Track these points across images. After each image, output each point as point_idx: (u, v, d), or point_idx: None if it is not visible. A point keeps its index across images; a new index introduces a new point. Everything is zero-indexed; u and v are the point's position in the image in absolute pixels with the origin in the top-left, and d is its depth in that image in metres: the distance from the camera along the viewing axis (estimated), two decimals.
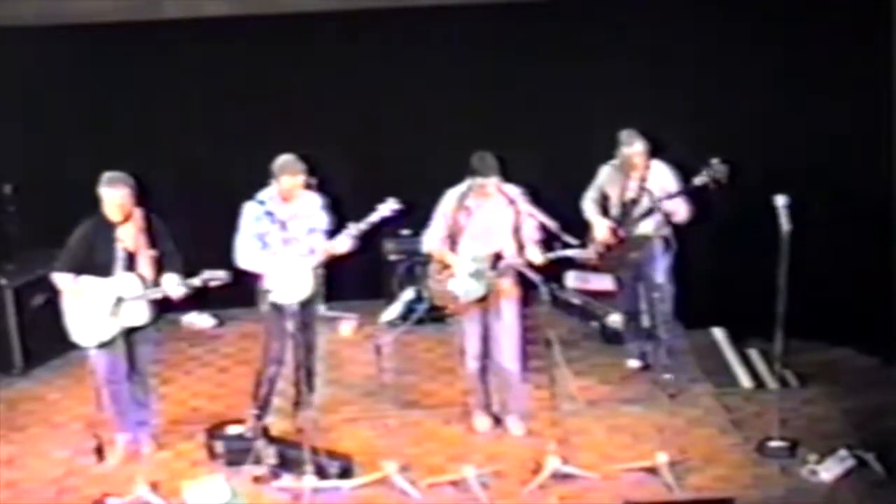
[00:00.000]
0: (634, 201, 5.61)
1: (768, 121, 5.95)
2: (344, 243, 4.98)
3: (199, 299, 5.23)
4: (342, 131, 6.48)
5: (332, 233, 5.13)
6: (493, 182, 4.98)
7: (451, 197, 5.14)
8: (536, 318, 5.39)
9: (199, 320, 6.72)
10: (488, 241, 5.09)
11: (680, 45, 6.08)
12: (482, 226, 5.09)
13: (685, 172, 5.50)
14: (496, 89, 6.40)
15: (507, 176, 5.04)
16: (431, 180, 5.28)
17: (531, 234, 5.08)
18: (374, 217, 5.04)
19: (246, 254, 5.02)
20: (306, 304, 5.08)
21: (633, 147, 5.54)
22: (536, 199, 5.10)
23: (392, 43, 6.36)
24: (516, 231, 5.10)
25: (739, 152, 5.44)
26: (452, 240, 5.13)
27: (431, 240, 5.18)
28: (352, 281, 6.58)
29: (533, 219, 5.03)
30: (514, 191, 5.09)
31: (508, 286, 5.10)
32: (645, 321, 5.86)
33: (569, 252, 4.94)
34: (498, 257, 5.05)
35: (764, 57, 5.94)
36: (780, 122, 5.93)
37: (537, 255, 4.99)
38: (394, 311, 6.45)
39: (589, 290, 6.60)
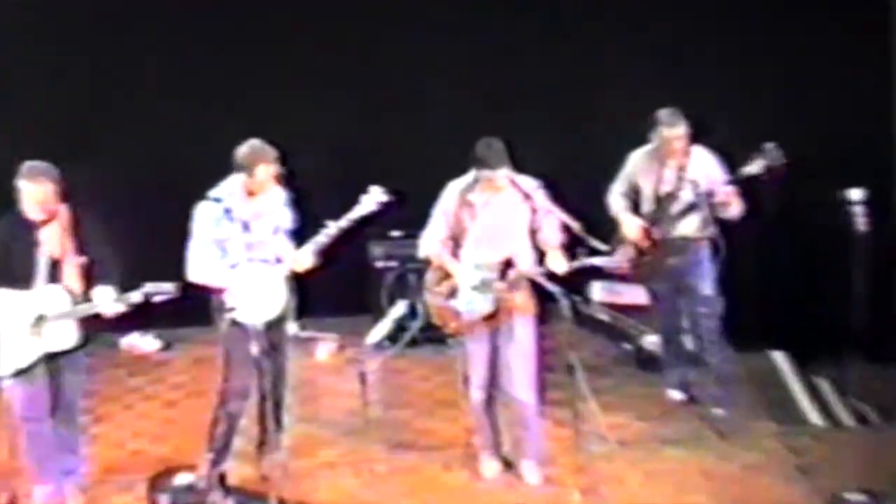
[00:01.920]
0: (673, 195, 5.57)
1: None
2: (306, 257, 4.95)
3: (142, 317, 5.12)
4: (315, 112, 6.52)
5: (300, 233, 5.12)
6: (503, 173, 4.94)
7: (452, 191, 5.10)
8: (556, 339, 5.35)
9: (141, 343, 6.72)
10: (498, 244, 5.05)
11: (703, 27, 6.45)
12: (491, 226, 5.06)
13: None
14: (504, 64, 6.51)
15: (519, 166, 5.02)
16: (428, 170, 5.29)
17: (551, 236, 5.05)
18: (357, 212, 5.00)
19: (200, 263, 4.96)
20: (274, 323, 5.04)
21: (675, 129, 5.49)
22: (555, 193, 5.09)
23: (378, 2, 6.53)
24: (532, 233, 5.07)
25: (793, 142, 5.45)
26: (454, 243, 5.09)
27: (429, 243, 5.14)
28: (330, 294, 6.56)
29: (553, 218, 5.00)
30: (529, 184, 5.04)
31: (522, 300, 5.04)
32: (688, 343, 5.85)
33: (595, 259, 4.91)
34: (509, 265, 5.01)
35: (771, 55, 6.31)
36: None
37: (559, 263, 4.94)
38: (382, 330, 6.37)
39: (619, 304, 6.61)
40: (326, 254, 5.07)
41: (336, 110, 6.67)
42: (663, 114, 5.51)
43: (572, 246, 4.96)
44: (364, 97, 6.68)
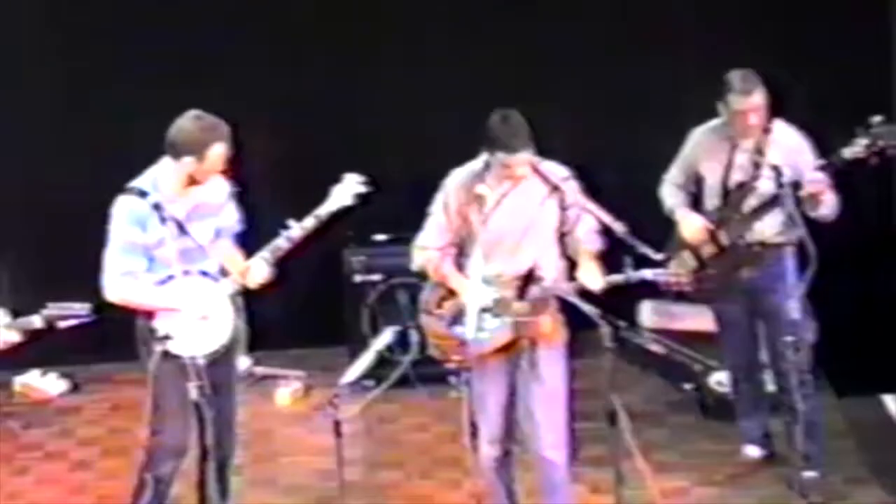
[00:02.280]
0: (747, 185, 5.57)
1: None
2: (260, 269, 5.02)
3: (43, 350, 5.27)
4: (268, 81, 6.81)
5: (252, 237, 5.19)
6: (523, 157, 4.93)
7: (456, 181, 5.12)
8: (593, 378, 5.38)
9: (41, 384, 6.76)
10: (517, 252, 5.06)
11: None
12: (507, 228, 5.05)
13: None
14: (519, 21, 6.69)
15: (545, 148, 5.04)
16: (423, 153, 5.96)
17: (587, 241, 5.07)
18: (328, 209, 5.07)
19: (121, 277, 4.97)
20: (220, 357, 5.08)
21: (750, 98, 5.46)
22: (591, 185, 5.13)
23: None
24: (562, 237, 5.08)
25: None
26: (459, 250, 5.10)
27: (425, 250, 5.16)
28: (294, 318, 6.77)
29: (589, 217, 5.03)
30: (559, 172, 5.05)
31: (548, 326, 5.05)
32: (769, 382, 5.87)
33: (644, 272, 4.94)
34: (531, 279, 5.01)
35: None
36: None
37: (596, 277, 4.95)
38: (362, 365, 5.94)
39: (677, 331, 6.65)
40: (288, 265, 5.10)
41: (296, 73, 6.87)
42: (734, 78, 5.47)
43: (614, 254, 4.98)
44: (336, 54, 6.88)
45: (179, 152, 4.92)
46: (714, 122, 5.63)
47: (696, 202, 5.68)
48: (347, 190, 5.08)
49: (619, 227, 4.91)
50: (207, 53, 6.83)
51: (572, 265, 5.04)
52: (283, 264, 5.06)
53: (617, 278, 4.92)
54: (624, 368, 6.01)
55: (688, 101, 5.93)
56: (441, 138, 5.51)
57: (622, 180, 6.37)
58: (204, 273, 5.03)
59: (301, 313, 6.95)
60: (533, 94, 5.81)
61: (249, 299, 5.31)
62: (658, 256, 4.97)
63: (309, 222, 5.01)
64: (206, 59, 6.82)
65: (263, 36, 6.93)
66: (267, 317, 6.54)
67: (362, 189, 5.09)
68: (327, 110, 6.92)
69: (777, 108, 5.52)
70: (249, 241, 5.18)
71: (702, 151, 5.66)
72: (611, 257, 4.98)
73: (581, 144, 6.02)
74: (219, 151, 4.94)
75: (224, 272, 5.07)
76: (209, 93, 5.38)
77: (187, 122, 4.94)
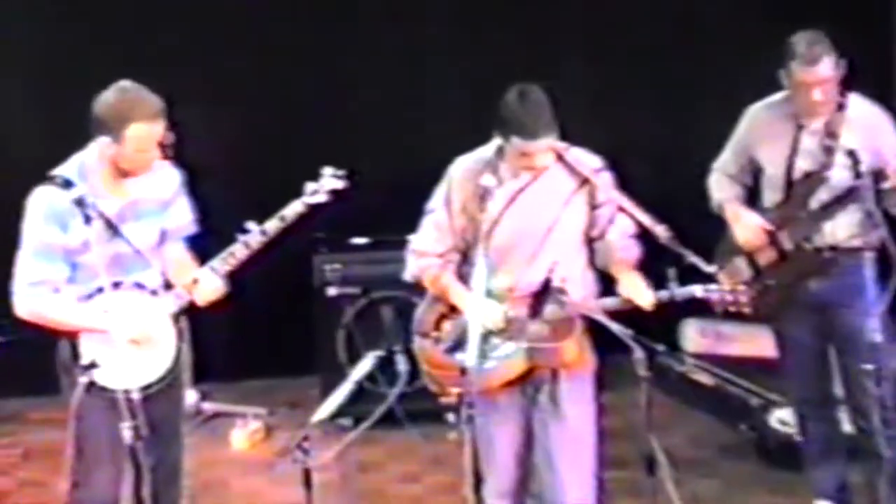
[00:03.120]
0: (816, 176, 5.52)
1: None
2: (211, 282, 5.04)
3: None
4: (229, 58, 7.05)
5: (203, 241, 5.19)
6: (545, 143, 4.93)
7: (461, 172, 5.14)
8: (627, 416, 5.42)
9: None
10: (534, 260, 5.06)
11: None
12: (523, 230, 5.07)
13: None
14: None
15: (571, 133, 5.04)
16: (414, 143, 5.99)
17: (622, 247, 5.09)
18: (298, 208, 5.09)
19: (33, 289, 4.97)
20: (160, 391, 5.06)
21: (816, 68, 5.40)
22: (625, 179, 5.14)
23: None
24: (590, 242, 5.10)
25: None
26: (465, 257, 5.12)
27: (424, 256, 5.17)
28: (253, 341, 6.87)
29: (624, 219, 5.07)
30: (589, 161, 5.08)
31: (573, 352, 5.03)
32: (844, 422, 5.82)
33: (695, 289, 4.93)
34: (551, 293, 5.00)
35: None
36: None
37: (643, 290, 4.95)
38: (337, 400, 5.86)
39: (730, 357, 6.67)
40: (245, 276, 5.08)
41: (263, 48, 7.11)
42: (799, 42, 5.44)
43: (654, 262, 4.97)
44: (313, 29, 7.15)
45: (95, 130, 4.90)
46: (775, 96, 5.58)
47: (752, 197, 5.66)
48: (324, 186, 5.10)
49: (661, 232, 4.91)
50: (166, 27, 7.07)
51: (602, 277, 5.05)
52: (239, 276, 5.05)
53: (660, 295, 4.92)
54: (664, 403, 6.08)
55: (743, 70, 6.12)
56: (435, 125, 5.61)
57: (654, 172, 6.44)
58: (140, 286, 4.99)
59: (261, 336, 7.04)
60: (544, 73, 5.83)
61: (198, 319, 5.31)
62: (710, 268, 4.95)
63: (272, 225, 5.00)
64: (161, 32, 7.06)
65: (230, 11, 7.14)
66: (219, 340, 6.67)
67: (341, 184, 5.10)
68: (299, 92, 7.07)
69: (851, 80, 5.49)
70: (204, 247, 5.21)
71: (760, 134, 5.60)
72: (650, 267, 4.96)
73: (603, 130, 6.01)
74: (138, 133, 4.87)
75: (168, 285, 5.05)
76: (147, 70, 5.37)
77: (109, 94, 4.92)
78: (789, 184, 5.52)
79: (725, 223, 5.61)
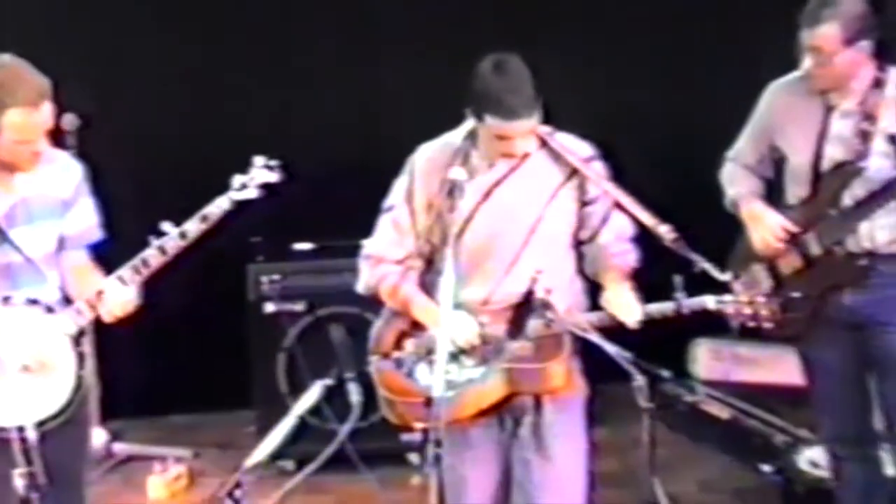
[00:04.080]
0: (849, 167, 5.46)
1: None
2: (119, 295, 4.99)
3: None
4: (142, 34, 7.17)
5: (106, 247, 5.18)
6: (526, 126, 4.93)
7: (428, 160, 5.13)
8: (625, 455, 5.57)
9: None
10: (514, 266, 5.06)
11: None
12: (501, 231, 5.07)
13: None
14: None
15: (557, 115, 5.04)
16: (367, 129, 5.69)
17: (617, 252, 5.09)
18: (222, 204, 5.07)
19: None
20: (59, 429, 5.00)
21: (815, 30, 5.34)
22: (619, 170, 5.16)
23: None
24: (579, 244, 5.10)
25: None
26: (430, 263, 5.11)
27: (380, 263, 5.18)
28: (173, 369, 6.84)
29: (621, 217, 5.07)
30: (579, 149, 5.07)
31: (560, 376, 5.02)
32: (887, 463, 5.79)
33: (706, 301, 4.94)
34: (534, 306, 4.98)
35: None
36: None
37: (630, 304, 4.96)
38: (277, 438, 5.78)
39: (749, 384, 6.73)
40: (161, 288, 5.07)
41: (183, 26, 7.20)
42: (809, 4, 5.39)
43: (658, 269, 4.92)
44: None
45: None
46: (796, 73, 5.52)
47: (772, 192, 5.62)
48: (254, 179, 5.07)
49: (665, 233, 4.92)
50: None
51: (594, 287, 5.04)
52: (155, 288, 5.02)
53: (664, 308, 4.91)
54: (670, 441, 6.07)
55: (766, 39, 6.04)
56: (392, 106, 5.39)
57: (657, 162, 6.38)
58: (32, 301, 4.93)
59: (184, 362, 7.03)
60: (524, 40, 5.70)
61: (105, 341, 5.46)
62: (724, 276, 4.96)
63: (193, 226, 4.98)
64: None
65: None
66: (132, 367, 6.77)
67: (274, 177, 5.07)
68: (223, 71, 7.15)
69: (884, 50, 5.49)
70: (110, 255, 5.18)
71: (782, 116, 5.55)
72: (648, 277, 4.98)
73: (596, 111, 6.11)
74: (16, 120, 4.82)
75: (66, 300, 5.01)
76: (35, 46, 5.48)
77: None
78: (817, 176, 5.45)
79: (741, 224, 5.57)
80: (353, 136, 7.02)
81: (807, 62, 5.37)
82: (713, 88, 6.51)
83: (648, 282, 4.90)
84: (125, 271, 4.95)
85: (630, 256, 5.03)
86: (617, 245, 5.01)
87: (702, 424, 6.47)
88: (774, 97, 5.59)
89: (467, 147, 4.98)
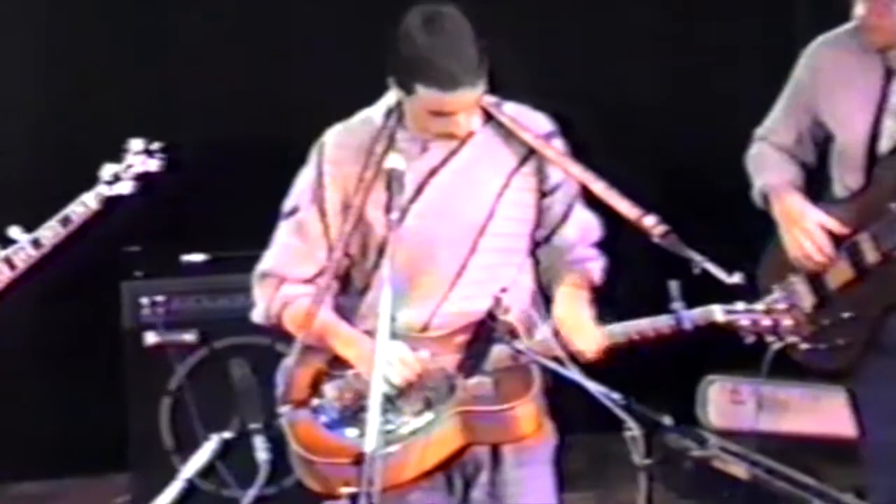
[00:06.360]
0: None
1: None
2: None
3: None
4: None
5: None
6: (470, 97, 5.09)
7: (340, 145, 5.32)
8: None
9: None
10: (460, 277, 5.31)
11: None
12: (441, 233, 5.28)
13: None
14: None
15: (510, 83, 5.24)
16: (276, 107, 5.48)
17: (579, 259, 5.34)
18: (90, 203, 5.67)
19: None
20: None
21: None
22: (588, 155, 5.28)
23: None
24: (536, 245, 5.35)
25: None
26: (345, 281, 5.34)
27: (281, 284, 5.34)
28: (25, 419, 7.10)
29: (585, 212, 5.34)
30: (535, 123, 5.25)
31: (529, 419, 5.24)
32: None
33: (714, 312, 5.20)
34: (489, 328, 5.25)
35: None
36: None
37: (584, 326, 5.21)
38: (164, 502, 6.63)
39: (778, 434, 7.01)
40: (11, 312, 5.63)
41: None
42: None
43: (644, 277, 5.42)
44: None
45: None
46: (848, 26, 5.76)
47: (812, 180, 5.85)
48: (127, 168, 5.40)
49: (652, 226, 5.16)
50: None
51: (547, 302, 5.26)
52: (1, 312, 5.50)
53: (659, 323, 5.16)
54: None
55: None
56: (302, 78, 5.60)
57: (655, 138, 6.60)
58: None
59: (39, 411, 7.35)
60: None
61: None
62: (733, 279, 5.12)
63: (49, 232, 5.53)
64: None
65: None
66: None
67: (155, 164, 5.41)
68: (93, 41, 7.60)
69: None
70: None
71: (828, 82, 5.77)
72: (638, 283, 5.40)
73: (557, 77, 6.45)
74: None
75: None
76: None
77: None
78: (873, 160, 5.68)
79: (774, 223, 5.79)
80: (256, 115, 7.30)
81: (860, 9, 5.54)
82: (714, 54, 6.87)
83: (635, 291, 5.21)
84: None
85: (593, 265, 5.25)
86: (579, 248, 5.26)
87: (714, 486, 6.74)
88: (817, 57, 5.78)
89: (392, 127, 5.16)
